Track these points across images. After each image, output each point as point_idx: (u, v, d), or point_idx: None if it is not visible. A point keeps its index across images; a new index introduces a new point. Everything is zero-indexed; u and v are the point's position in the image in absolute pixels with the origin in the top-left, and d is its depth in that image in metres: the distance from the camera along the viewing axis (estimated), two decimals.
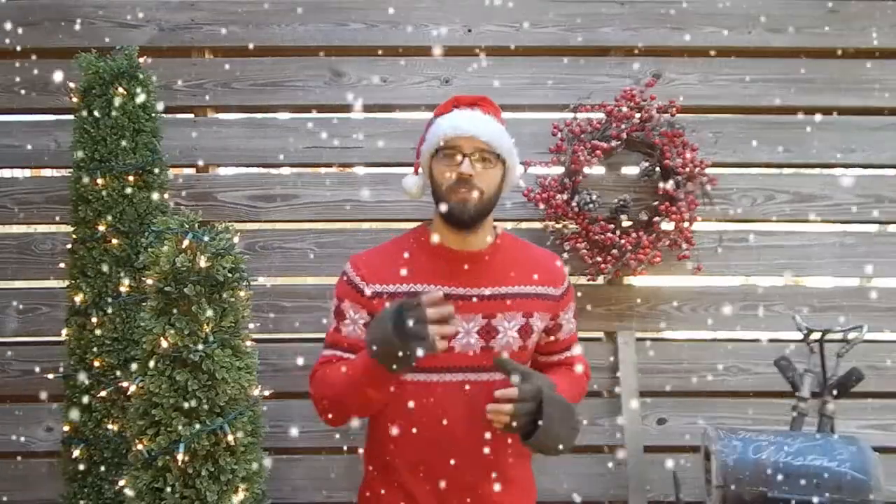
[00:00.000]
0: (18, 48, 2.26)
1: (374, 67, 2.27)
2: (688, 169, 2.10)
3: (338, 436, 2.24)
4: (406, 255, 1.46)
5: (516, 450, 1.44)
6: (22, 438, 2.27)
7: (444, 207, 1.39)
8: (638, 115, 2.12)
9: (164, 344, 1.40)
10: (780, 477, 1.62)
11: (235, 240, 1.50)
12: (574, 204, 2.10)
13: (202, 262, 1.40)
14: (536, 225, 2.25)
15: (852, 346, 1.95)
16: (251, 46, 2.27)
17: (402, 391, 1.40)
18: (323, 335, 2.23)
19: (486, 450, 1.41)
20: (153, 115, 1.96)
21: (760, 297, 2.28)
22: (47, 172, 2.48)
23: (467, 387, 1.40)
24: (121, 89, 1.89)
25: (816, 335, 1.97)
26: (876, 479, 1.59)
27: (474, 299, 1.42)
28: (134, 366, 1.48)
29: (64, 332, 1.94)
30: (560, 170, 2.17)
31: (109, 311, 1.87)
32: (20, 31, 2.26)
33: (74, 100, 1.93)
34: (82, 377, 1.88)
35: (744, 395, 2.28)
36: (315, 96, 2.28)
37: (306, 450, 2.28)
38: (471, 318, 1.42)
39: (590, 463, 2.28)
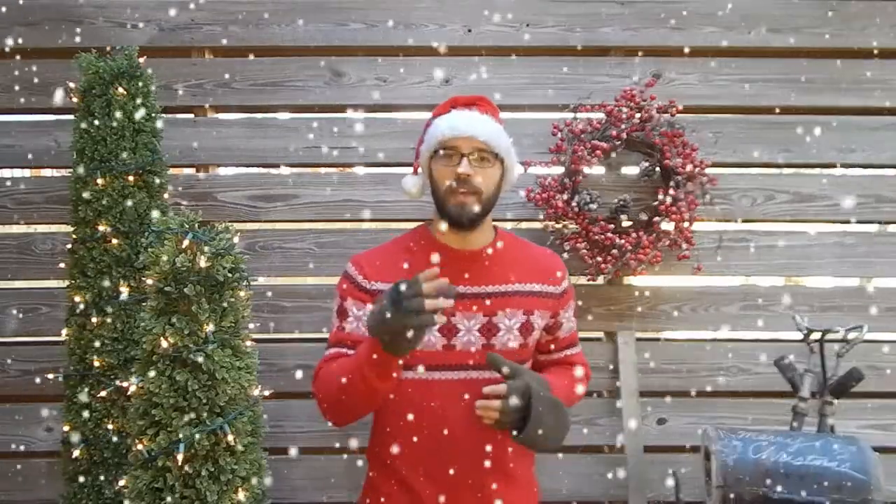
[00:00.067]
0: (18, 48, 2.26)
1: (374, 67, 2.27)
2: (688, 169, 2.10)
3: (338, 436, 2.24)
4: (407, 253, 1.47)
5: (518, 449, 1.44)
6: (22, 438, 2.27)
7: (443, 208, 1.40)
8: (638, 115, 2.12)
9: (164, 344, 1.40)
10: (780, 477, 1.62)
11: (235, 240, 1.51)
12: (574, 204, 2.10)
13: (202, 262, 1.41)
14: (536, 225, 2.25)
15: (852, 346, 1.95)
16: (251, 46, 2.27)
17: (403, 389, 1.40)
18: (323, 335, 2.25)
19: (488, 448, 1.41)
20: (153, 115, 1.96)
21: (760, 297, 2.28)
22: (47, 172, 2.48)
23: (469, 385, 1.40)
24: (121, 89, 1.89)
25: (816, 335, 1.97)
26: (876, 479, 1.59)
27: (475, 297, 1.43)
28: (134, 366, 1.48)
29: (64, 332, 1.94)
30: (560, 170, 2.17)
31: (109, 311, 1.87)
32: (20, 31, 2.26)
33: (74, 100, 1.93)
34: (82, 377, 1.88)
35: (744, 395, 2.28)
36: (315, 96, 2.28)
37: (306, 450, 2.28)
38: (472, 315, 1.42)
39: (590, 463, 2.28)
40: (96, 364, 1.87)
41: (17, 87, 2.26)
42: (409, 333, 1.16)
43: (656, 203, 2.14)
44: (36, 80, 2.25)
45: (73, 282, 1.92)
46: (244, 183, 2.29)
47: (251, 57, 2.28)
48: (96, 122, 1.89)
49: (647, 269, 2.19)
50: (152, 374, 1.41)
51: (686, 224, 2.13)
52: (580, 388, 1.58)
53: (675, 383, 2.28)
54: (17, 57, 2.27)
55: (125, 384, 1.68)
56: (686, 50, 2.28)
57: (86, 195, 1.89)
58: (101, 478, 1.87)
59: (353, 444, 2.25)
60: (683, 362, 2.29)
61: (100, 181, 1.88)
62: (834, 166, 2.30)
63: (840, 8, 2.27)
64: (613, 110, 2.14)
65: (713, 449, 1.71)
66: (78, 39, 2.24)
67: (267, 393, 1.78)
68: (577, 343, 1.63)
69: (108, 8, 2.26)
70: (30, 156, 2.27)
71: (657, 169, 2.18)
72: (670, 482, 2.08)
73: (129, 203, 1.88)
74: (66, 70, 2.17)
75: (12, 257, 2.27)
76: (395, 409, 1.43)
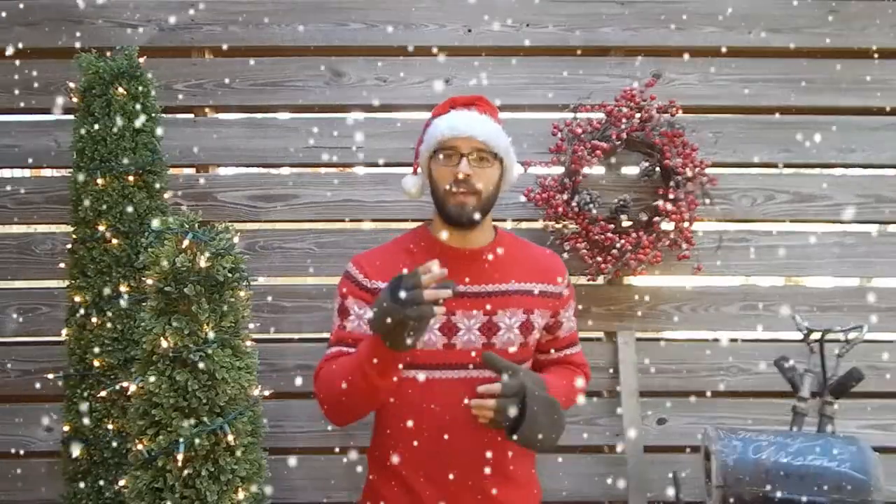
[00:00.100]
0: (19, 48, 2.26)
1: (374, 67, 2.27)
2: (688, 169, 2.10)
3: (338, 437, 2.24)
4: (407, 254, 1.47)
5: (519, 449, 1.44)
6: (22, 439, 2.27)
7: (443, 208, 1.41)
8: (638, 115, 2.12)
9: (164, 344, 1.40)
10: (780, 477, 1.62)
11: (235, 240, 1.51)
12: (574, 204, 2.10)
13: (202, 262, 1.41)
14: (536, 225, 2.25)
15: (852, 346, 1.95)
16: (251, 46, 2.27)
17: (404, 389, 1.40)
18: (323, 335, 2.25)
19: (489, 448, 1.41)
20: (153, 115, 1.96)
21: (760, 297, 2.28)
22: (47, 172, 2.48)
23: (470, 384, 1.40)
24: (121, 90, 1.89)
25: (816, 335, 1.97)
26: (876, 479, 1.59)
27: (475, 296, 1.43)
28: (134, 366, 1.48)
29: (64, 332, 1.94)
30: (560, 170, 2.17)
31: (109, 311, 1.87)
32: (20, 31, 2.26)
33: (74, 100, 1.93)
34: (82, 377, 1.88)
35: (744, 395, 2.28)
36: (315, 96, 2.28)
37: (306, 450, 2.28)
38: (472, 314, 1.43)
39: (590, 463, 2.28)
40: (96, 364, 1.87)
41: (17, 87, 2.26)
42: (410, 324, 1.16)
43: (656, 203, 2.14)
44: (36, 81, 2.25)
45: (73, 282, 1.92)
46: (244, 183, 2.29)
47: (251, 57, 2.28)
48: (96, 123, 1.89)
49: (647, 269, 2.19)
50: (152, 374, 1.41)
51: (686, 224, 2.13)
52: (580, 382, 1.58)
53: (675, 383, 2.28)
54: (18, 57, 2.27)
55: (125, 384, 1.68)
56: (686, 50, 2.28)
57: (86, 196, 1.89)
58: (101, 478, 1.87)
59: (354, 444, 2.25)
60: (683, 362, 2.29)
61: (100, 181, 1.88)
62: (834, 166, 2.30)
63: (840, 8, 2.27)
64: (613, 110, 2.14)
65: (713, 449, 1.71)
66: (78, 40, 2.24)
67: (267, 393, 1.78)
68: (577, 343, 1.63)
69: (108, 8, 2.26)
70: (30, 156, 2.27)
71: (657, 169, 2.18)
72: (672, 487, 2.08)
73: (130, 209, 1.88)
74: (66, 70, 2.16)
75: (12, 257, 2.27)
76: (395, 409, 1.43)
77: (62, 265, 2.00)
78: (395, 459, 1.43)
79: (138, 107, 1.91)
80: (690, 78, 2.28)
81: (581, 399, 1.64)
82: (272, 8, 2.27)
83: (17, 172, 2.39)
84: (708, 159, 2.16)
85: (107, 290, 1.87)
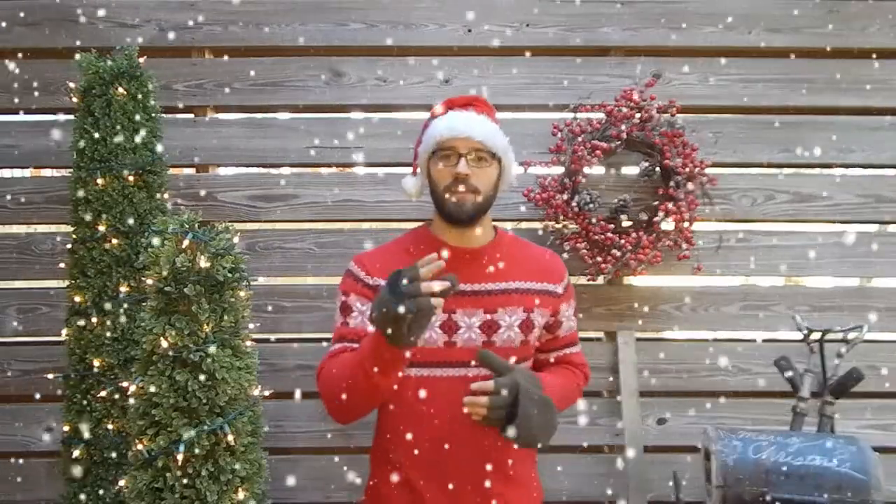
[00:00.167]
0: (18, 48, 2.26)
1: (374, 67, 2.28)
2: (688, 169, 2.10)
3: (338, 436, 2.24)
4: (407, 253, 1.47)
5: (520, 448, 1.44)
6: (22, 438, 2.27)
7: (442, 207, 1.42)
8: (638, 115, 2.12)
9: (164, 344, 1.40)
10: (780, 477, 1.62)
11: (235, 240, 1.51)
12: (574, 204, 2.10)
13: (202, 262, 1.40)
14: (536, 225, 2.25)
15: (852, 346, 1.95)
16: (251, 46, 2.27)
17: (406, 386, 1.40)
18: (323, 335, 2.25)
19: (491, 446, 1.41)
20: (153, 115, 1.96)
21: (760, 297, 2.29)
22: (47, 172, 2.48)
23: (470, 382, 1.40)
24: (121, 89, 1.89)
25: (816, 335, 1.97)
26: (876, 479, 1.59)
27: (476, 295, 1.43)
28: (134, 366, 1.48)
29: (64, 332, 1.94)
30: (560, 170, 2.17)
31: (109, 311, 1.87)
32: (20, 31, 2.26)
33: (74, 99, 1.93)
34: (82, 377, 1.88)
35: (744, 395, 2.28)
36: (315, 96, 2.28)
37: (306, 450, 2.28)
38: (473, 313, 1.43)
39: (590, 463, 2.28)
40: (96, 364, 1.87)
41: (17, 87, 2.26)
42: (409, 318, 1.15)
43: (656, 203, 2.14)
44: (36, 80, 2.26)
45: (73, 282, 1.92)
46: (244, 183, 2.29)
47: (251, 57, 2.28)
48: (96, 123, 1.89)
49: (647, 269, 2.19)
50: (152, 374, 1.41)
51: (686, 224, 2.13)
52: (579, 382, 1.59)
53: (675, 383, 2.28)
54: (18, 57, 2.27)
55: (125, 384, 1.68)
56: (686, 50, 2.28)
57: (86, 196, 1.89)
58: (101, 478, 1.87)
59: (354, 444, 2.25)
60: (683, 362, 2.29)
61: (100, 181, 1.88)
62: (834, 166, 2.30)
63: (840, 8, 2.27)
64: (613, 110, 2.14)
65: (713, 449, 1.71)
66: (78, 40, 2.24)
67: (267, 393, 1.78)
68: (577, 343, 1.63)
69: (108, 8, 2.26)
70: (30, 156, 2.27)
71: (657, 169, 2.18)
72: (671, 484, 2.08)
73: (130, 209, 1.88)
74: (66, 70, 2.17)
75: (12, 257, 2.27)
76: (397, 408, 1.43)
77: (62, 265, 2.00)
78: (396, 458, 1.43)
79: (139, 102, 1.91)
80: (690, 78, 2.28)
81: (580, 399, 1.64)
82: (272, 8, 2.27)
83: (17, 172, 2.39)
84: (708, 159, 2.16)
85: (107, 291, 1.87)
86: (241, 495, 1.45)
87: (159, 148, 1.96)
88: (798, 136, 2.28)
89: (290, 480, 2.25)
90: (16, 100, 2.26)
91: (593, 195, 2.11)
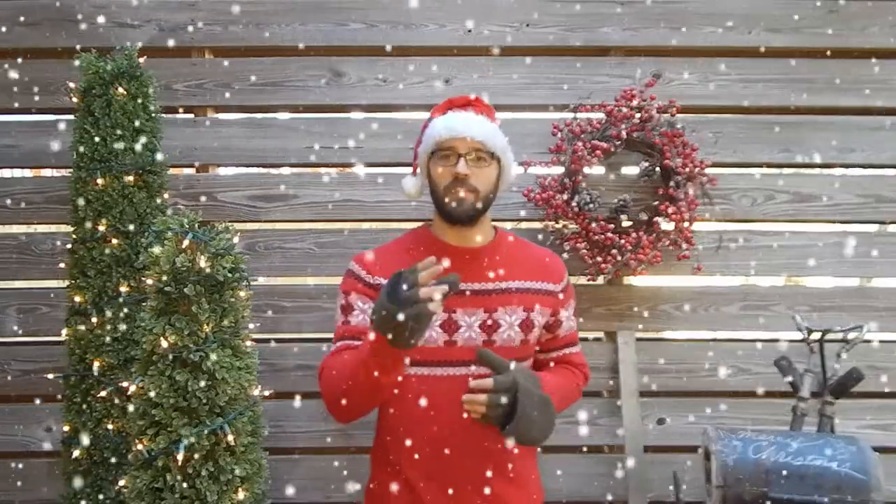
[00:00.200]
0: (19, 48, 2.26)
1: (374, 67, 2.27)
2: (688, 169, 2.10)
3: (338, 436, 2.24)
4: (408, 253, 1.48)
5: (522, 448, 1.44)
6: (22, 439, 2.27)
7: (442, 206, 1.43)
8: (638, 115, 2.12)
9: (164, 344, 1.40)
10: (780, 477, 1.62)
11: (235, 240, 1.51)
12: (574, 204, 2.10)
13: (202, 262, 1.41)
14: (536, 225, 2.25)
15: (852, 346, 1.95)
16: (251, 46, 2.27)
17: (406, 385, 1.40)
18: (323, 335, 2.25)
19: (492, 445, 1.41)
20: (153, 115, 1.96)
21: (760, 297, 2.28)
22: (47, 172, 2.48)
23: (470, 380, 1.40)
24: (121, 89, 1.89)
25: (816, 335, 1.97)
26: (876, 479, 1.59)
27: (476, 294, 1.43)
28: (134, 366, 1.48)
29: (64, 332, 1.94)
30: (560, 170, 2.17)
31: (109, 311, 1.87)
32: (20, 31, 2.26)
33: (74, 100, 1.93)
34: (82, 377, 1.88)
35: (744, 395, 2.28)
36: (315, 96, 2.28)
37: (306, 450, 2.28)
38: (473, 312, 1.43)
39: (590, 463, 2.28)
40: (96, 364, 1.87)
41: (16, 87, 2.26)
42: (409, 323, 1.16)
43: (656, 203, 2.14)
44: (36, 81, 2.25)
45: (73, 282, 1.92)
46: (244, 183, 2.29)
47: (251, 57, 2.28)
48: (96, 122, 1.89)
49: (647, 269, 2.19)
50: (152, 374, 1.41)
51: (686, 224, 2.13)
52: (579, 382, 1.59)
53: (675, 383, 2.28)
54: (18, 57, 2.27)
55: (125, 384, 1.68)
56: (686, 50, 2.28)
57: (86, 196, 1.89)
58: (101, 478, 1.87)
59: (354, 444, 2.25)
60: (683, 362, 2.29)
61: (100, 181, 1.88)
62: (834, 166, 2.30)
63: (840, 8, 2.27)
64: (613, 110, 2.14)
65: (713, 449, 1.71)
66: (78, 40, 2.24)
67: (267, 393, 1.78)
68: (576, 343, 1.63)
69: (108, 8, 2.26)
70: (30, 156, 2.27)
71: (657, 169, 2.18)
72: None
73: (130, 209, 1.88)
74: (66, 70, 2.17)
75: (12, 257, 2.27)
76: (397, 408, 1.43)
77: (62, 265, 2.00)
78: (397, 458, 1.43)
79: (139, 103, 1.91)
80: (690, 78, 2.28)
81: (580, 399, 1.65)
82: (272, 8, 2.27)
83: (17, 172, 2.39)
84: (708, 159, 2.16)
85: (107, 291, 1.87)
86: (240, 495, 1.45)
87: (159, 156, 1.96)
88: (798, 136, 2.28)
89: (290, 482, 2.25)
90: (16, 100, 2.26)
91: (593, 195, 2.11)
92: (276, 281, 2.32)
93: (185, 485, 1.40)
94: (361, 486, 1.56)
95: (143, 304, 1.49)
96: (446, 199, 1.41)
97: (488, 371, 1.38)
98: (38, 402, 2.24)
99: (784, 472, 1.62)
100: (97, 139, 1.89)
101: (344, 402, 1.34)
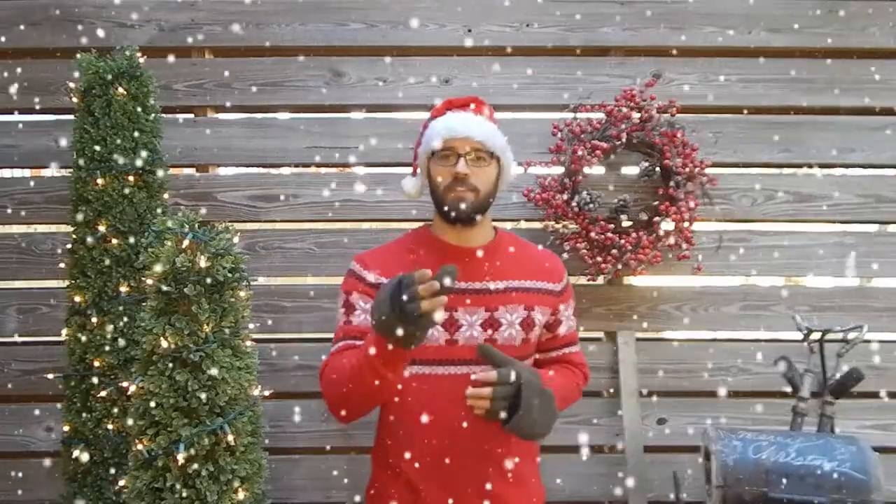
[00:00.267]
0: (19, 48, 2.26)
1: (374, 67, 2.27)
2: (688, 169, 2.10)
3: (338, 436, 2.24)
4: (408, 253, 1.48)
5: (523, 446, 1.44)
6: (22, 438, 2.27)
7: (442, 205, 1.43)
8: (638, 115, 2.12)
9: (164, 344, 1.40)
10: (780, 477, 1.62)
11: (235, 240, 1.51)
12: (574, 204, 2.10)
13: (202, 262, 1.40)
14: (536, 225, 2.25)
15: (852, 346, 1.95)
16: (251, 46, 2.27)
17: (407, 386, 1.41)
18: (323, 335, 2.25)
19: (494, 444, 1.41)
20: (153, 115, 1.96)
21: (760, 297, 2.28)
22: (47, 172, 2.48)
23: (473, 375, 1.40)
24: (121, 89, 1.89)
25: (816, 335, 1.97)
26: (876, 479, 1.59)
27: (476, 293, 1.44)
28: (134, 366, 1.48)
29: (64, 332, 1.94)
30: (560, 170, 2.17)
31: (109, 311, 1.87)
32: (20, 31, 2.26)
33: (74, 100, 1.93)
34: (82, 377, 1.88)
35: (744, 395, 2.28)
36: (315, 96, 2.28)
37: (306, 450, 2.28)
38: (474, 311, 1.43)
39: (590, 463, 2.27)
40: (96, 364, 1.87)
41: (17, 87, 2.26)
42: (409, 332, 1.16)
43: (656, 203, 2.14)
44: (36, 81, 2.25)
45: (73, 282, 1.92)
46: (244, 183, 2.29)
47: (251, 57, 2.28)
48: (96, 122, 1.89)
49: (647, 269, 2.19)
50: (152, 374, 1.41)
51: (686, 224, 2.13)
52: (578, 381, 1.60)
53: (675, 383, 2.28)
54: (18, 57, 2.27)
55: (125, 384, 1.68)
56: (686, 50, 2.28)
57: (86, 196, 1.89)
58: (101, 478, 1.87)
59: (354, 444, 2.25)
60: (683, 362, 2.29)
61: (100, 181, 1.88)
62: (834, 166, 2.30)
63: (840, 7, 2.27)
64: (613, 110, 2.14)
65: (713, 449, 1.71)
66: (78, 40, 2.24)
67: (267, 393, 1.78)
68: (576, 342, 1.64)
69: (108, 8, 2.26)
70: (30, 156, 2.27)
71: (657, 169, 2.18)
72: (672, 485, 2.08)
73: (130, 209, 1.88)
74: (66, 70, 2.17)
75: (12, 257, 2.27)
76: (398, 407, 1.43)
77: (62, 265, 2.00)
78: (398, 457, 1.43)
79: (138, 103, 1.91)
80: (690, 78, 2.28)
81: (580, 398, 1.65)
82: (272, 8, 2.27)
83: (17, 172, 2.39)
84: (708, 159, 2.16)
85: (107, 291, 1.87)
86: (241, 495, 1.45)
87: (159, 148, 1.96)
88: (798, 136, 2.28)
89: (290, 482, 2.25)
90: (16, 100, 2.26)
91: (593, 195, 2.11)
92: (276, 281, 2.32)
93: (185, 485, 1.40)
94: (362, 487, 1.56)
95: (143, 304, 1.49)
96: (446, 199, 1.41)
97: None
98: (38, 401, 2.24)
99: (784, 473, 1.62)
100: (97, 139, 1.89)
101: (345, 401, 1.34)
